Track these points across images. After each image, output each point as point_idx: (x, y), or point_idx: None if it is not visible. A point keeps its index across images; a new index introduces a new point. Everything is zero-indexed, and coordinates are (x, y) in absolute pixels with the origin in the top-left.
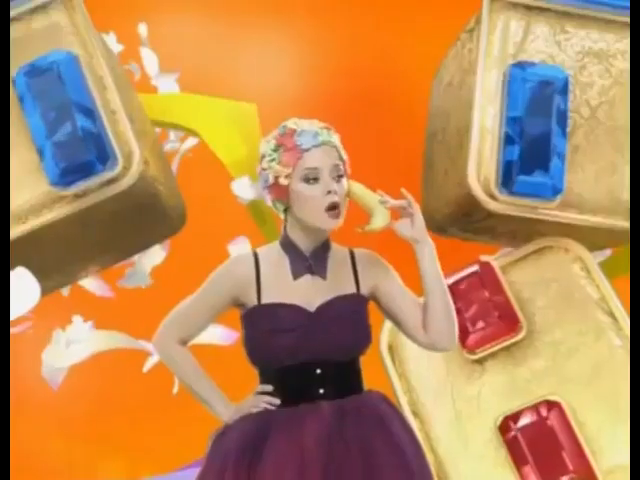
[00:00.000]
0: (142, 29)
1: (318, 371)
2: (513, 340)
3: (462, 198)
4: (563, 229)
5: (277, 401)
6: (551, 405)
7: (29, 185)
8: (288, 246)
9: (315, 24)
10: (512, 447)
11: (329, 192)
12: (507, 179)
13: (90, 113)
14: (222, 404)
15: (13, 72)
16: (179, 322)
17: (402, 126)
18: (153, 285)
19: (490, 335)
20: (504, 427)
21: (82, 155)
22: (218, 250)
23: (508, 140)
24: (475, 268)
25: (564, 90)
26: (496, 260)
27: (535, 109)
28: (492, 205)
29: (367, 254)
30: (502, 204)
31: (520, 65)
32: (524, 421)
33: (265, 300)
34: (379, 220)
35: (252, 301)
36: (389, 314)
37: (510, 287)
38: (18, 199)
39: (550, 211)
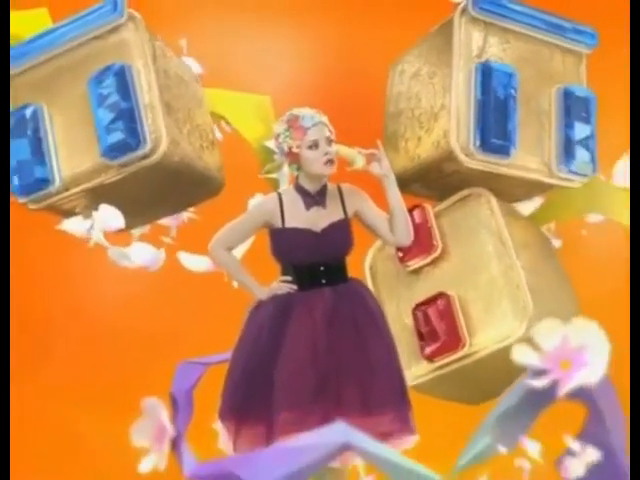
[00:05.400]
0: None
1: (322, 268)
2: (432, 257)
3: (436, 157)
4: (506, 182)
5: (295, 287)
6: (444, 296)
7: (92, 156)
8: (300, 189)
9: (316, 29)
10: (416, 325)
11: (326, 153)
12: (483, 142)
13: (131, 108)
14: (257, 287)
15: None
16: (226, 236)
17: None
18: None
19: (416, 252)
20: (414, 312)
21: (122, 138)
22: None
23: (482, 115)
24: (413, 209)
25: (516, 82)
26: (434, 208)
27: (498, 94)
28: (465, 160)
29: (350, 187)
30: (475, 160)
31: (486, 63)
32: (425, 306)
33: (287, 224)
34: (359, 163)
35: (278, 224)
36: (368, 226)
37: (440, 223)
38: (82, 165)
39: (505, 168)
